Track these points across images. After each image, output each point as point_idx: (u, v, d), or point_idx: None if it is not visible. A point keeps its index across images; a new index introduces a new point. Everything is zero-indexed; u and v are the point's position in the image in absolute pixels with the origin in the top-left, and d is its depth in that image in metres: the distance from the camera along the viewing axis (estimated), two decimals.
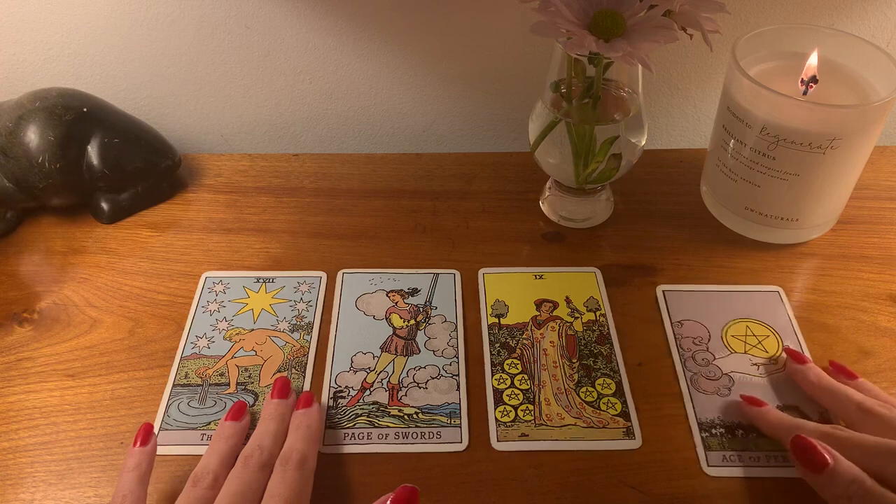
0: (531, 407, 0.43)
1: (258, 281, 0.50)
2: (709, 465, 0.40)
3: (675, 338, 0.47)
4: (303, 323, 0.48)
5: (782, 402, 0.43)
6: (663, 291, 0.49)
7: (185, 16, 0.58)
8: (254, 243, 0.54)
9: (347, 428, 0.42)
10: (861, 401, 0.39)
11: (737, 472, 0.40)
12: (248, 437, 0.39)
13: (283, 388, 0.42)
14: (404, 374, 0.45)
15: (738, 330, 0.47)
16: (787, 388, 0.44)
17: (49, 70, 0.61)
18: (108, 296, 0.50)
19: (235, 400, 0.43)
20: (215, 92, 0.64)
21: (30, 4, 0.57)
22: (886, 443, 0.36)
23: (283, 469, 0.37)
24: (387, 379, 0.44)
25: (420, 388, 0.44)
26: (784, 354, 0.45)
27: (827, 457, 0.35)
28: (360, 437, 0.41)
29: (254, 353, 0.46)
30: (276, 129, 0.67)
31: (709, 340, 0.46)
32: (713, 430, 0.42)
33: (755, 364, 0.45)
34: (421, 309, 0.49)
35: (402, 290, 0.50)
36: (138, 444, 0.38)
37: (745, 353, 0.46)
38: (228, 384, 0.44)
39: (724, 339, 0.47)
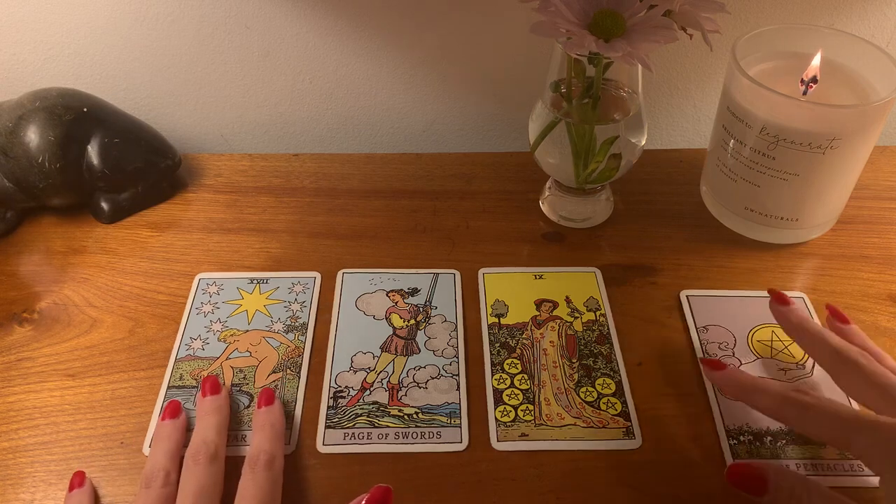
0: (531, 407, 0.43)
1: (252, 282, 0.50)
2: None
3: (701, 343, 0.46)
4: (297, 323, 0.48)
5: None
6: (687, 296, 0.49)
7: (185, 16, 0.58)
8: (253, 243, 0.54)
9: (347, 428, 0.42)
10: (838, 347, 0.38)
11: None
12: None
13: (214, 385, 0.42)
14: (404, 374, 0.45)
15: (764, 335, 0.47)
16: (816, 393, 0.43)
17: (49, 70, 0.61)
18: (108, 296, 0.50)
19: (231, 402, 0.43)
20: (215, 92, 0.64)
21: (30, 4, 0.57)
22: (849, 415, 0.34)
23: (252, 471, 0.37)
24: (387, 379, 0.44)
25: (420, 387, 0.44)
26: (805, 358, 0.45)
27: (764, 483, 0.34)
28: (360, 436, 0.41)
29: (248, 354, 0.46)
30: (276, 129, 0.67)
31: (734, 346, 0.46)
32: (741, 438, 0.41)
33: (782, 369, 0.45)
34: (421, 309, 0.49)
35: (402, 289, 0.50)
36: (74, 488, 0.39)
37: (772, 357, 0.46)
38: (224, 384, 0.44)
39: (750, 345, 0.46)
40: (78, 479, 0.39)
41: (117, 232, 0.55)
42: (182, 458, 0.39)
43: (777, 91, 0.45)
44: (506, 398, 0.43)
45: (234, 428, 0.42)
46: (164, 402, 0.43)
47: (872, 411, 0.35)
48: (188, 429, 0.41)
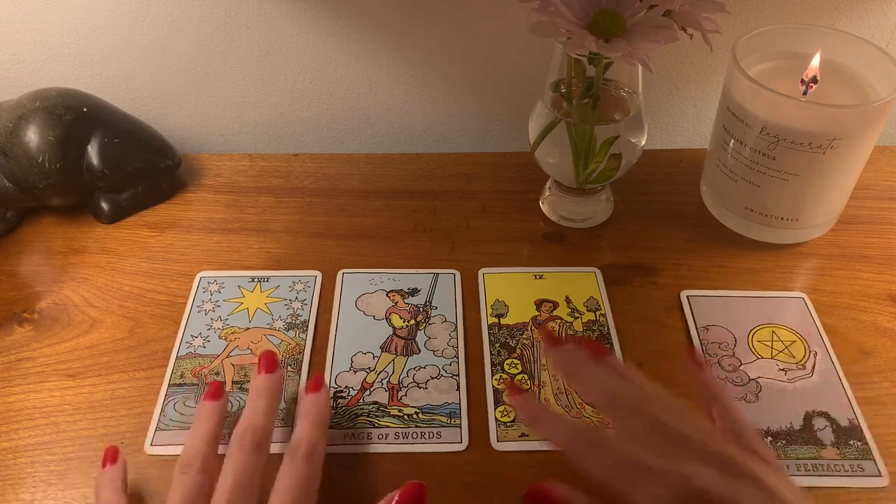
0: None
1: (253, 280, 0.50)
2: None
3: (702, 343, 0.46)
4: (298, 321, 0.48)
5: (811, 409, 0.43)
6: (687, 296, 0.49)
7: (185, 16, 0.58)
8: (253, 243, 0.54)
9: (347, 428, 0.42)
10: (615, 391, 0.34)
11: None
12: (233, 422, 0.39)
13: (270, 363, 0.40)
14: (404, 374, 0.45)
15: (764, 335, 0.47)
16: (816, 393, 0.44)
17: (49, 70, 0.61)
18: (108, 296, 0.50)
19: (232, 400, 0.43)
20: (215, 92, 0.64)
21: (30, 4, 0.57)
22: (632, 460, 0.31)
23: (292, 460, 0.36)
24: (387, 379, 0.44)
25: (420, 388, 0.44)
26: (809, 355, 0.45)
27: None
28: (361, 437, 0.41)
29: (249, 351, 0.46)
30: (276, 129, 0.67)
31: (735, 346, 0.46)
32: None
33: (782, 369, 0.45)
34: (421, 309, 0.49)
35: (402, 290, 0.50)
36: (107, 464, 0.38)
37: (773, 357, 0.46)
38: (224, 383, 0.44)
39: (751, 345, 0.46)
40: (111, 455, 0.38)
41: (117, 232, 0.55)
42: (218, 442, 0.38)
43: (777, 91, 0.45)
44: (506, 398, 0.43)
45: (233, 426, 0.41)
46: (164, 400, 0.43)
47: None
48: (228, 414, 0.40)
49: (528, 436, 0.41)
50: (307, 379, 0.44)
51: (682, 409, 0.33)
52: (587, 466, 0.32)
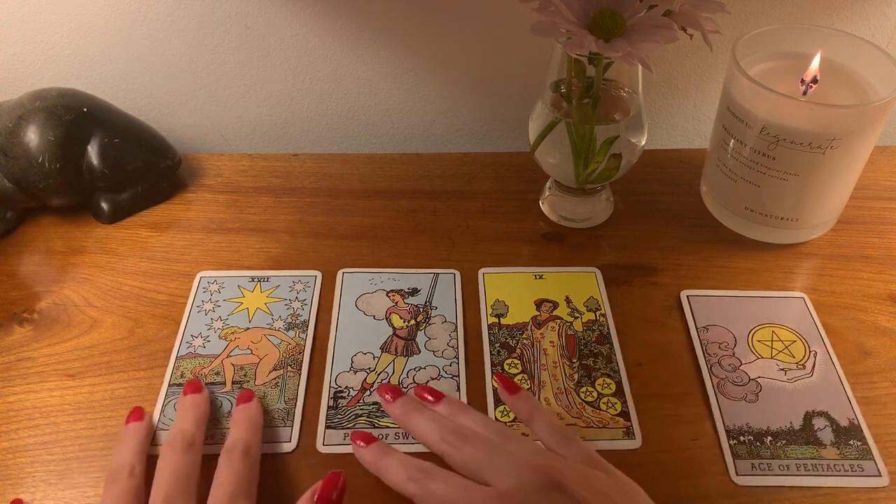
0: None
1: (253, 280, 0.50)
2: (737, 474, 0.40)
3: (701, 343, 0.46)
4: (298, 321, 0.48)
5: (811, 408, 0.43)
6: (687, 296, 0.49)
7: (185, 16, 0.58)
8: (253, 243, 0.54)
9: (348, 428, 0.42)
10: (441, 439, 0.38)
11: (766, 480, 0.39)
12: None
13: (195, 386, 0.42)
14: (404, 375, 0.45)
15: (764, 335, 0.47)
16: (816, 393, 0.44)
17: (49, 70, 0.61)
18: (108, 296, 0.50)
19: (233, 398, 0.43)
20: (215, 92, 0.64)
21: (30, 4, 0.57)
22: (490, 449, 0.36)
23: (228, 458, 0.37)
24: (387, 379, 0.44)
25: None
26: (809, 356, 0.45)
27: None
28: None
29: (249, 351, 0.46)
30: (276, 129, 0.67)
31: (735, 346, 0.46)
32: (741, 438, 0.41)
33: (782, 369, 0.45)
34: (421, 309, 0.49)
35: (402, 290, 0.50)
36: (131, 420, 0.40)
37: (773, 357, 0.46)
38: (224, 383, 0.44)
39: (751, 345, 0.46)
40: (136, 414, 0.40)
41: (117, 232, 0.55)
42: (146, 455, 0.39)
43: (777, 91, 0.45)
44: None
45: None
46: (164, 400, 0.43)
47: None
48: (154, 431, 0.42)
49: (528, 436, 0.41)
50: (306, 380, 0.44)
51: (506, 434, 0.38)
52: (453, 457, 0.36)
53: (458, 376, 0.45)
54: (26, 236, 0.54)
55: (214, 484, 0.36)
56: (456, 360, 0.45)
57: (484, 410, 0.43)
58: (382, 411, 0.43)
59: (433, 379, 0.44)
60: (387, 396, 0.42)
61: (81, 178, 0.53)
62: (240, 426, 0.40)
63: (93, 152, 0.53)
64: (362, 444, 0.39)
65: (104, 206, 0.55)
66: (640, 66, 0.45)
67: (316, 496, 0.35)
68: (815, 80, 0.48)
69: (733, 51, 0.48)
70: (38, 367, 0.45)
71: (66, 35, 0.59)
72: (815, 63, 0.48)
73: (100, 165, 0.53)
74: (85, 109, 0.53)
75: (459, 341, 0.46)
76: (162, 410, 0.42)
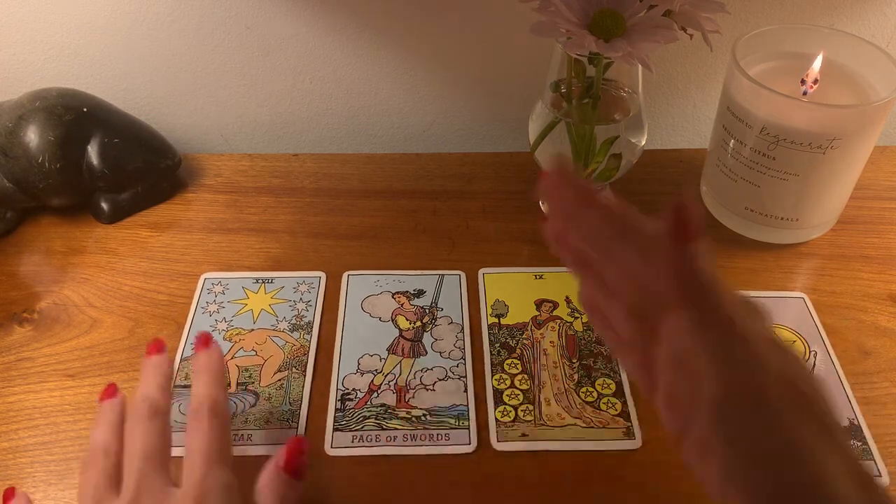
0: (531, 407, 0.43)
1: (257, 282, 0.50)
2: None
3: None
4: (303, 322, 0.48)
5: None
6: None
7: (185, 16, 0.58)
8: (254, 243, 0.54)
9: (355, 430, 0.42)
10: None
11: None
12: None
13: (157, 345, 0.39)
14: (411, 376, 0.45)
15: None
16: None
17: (49, 70, 0.61)
18: (108, 296, 0.50)
19: (237, 401, 0.43)
20: (215, 92, 0.64)
21: (30, 4, 0.57)
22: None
23: (196, 421, 0.35)
24: (394, 381, 0.44)
25: (427, 389, 0.44)
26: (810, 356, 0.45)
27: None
28: (369, 439, 0.41)
29: (254, 352, 0.46)
30: (276, 129, 0.67)
31: None
32: None
33: None
34: (427, 310, 0.49)
35: (407, 291, 0.50)
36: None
37: None
38: (229, 384, 0.44)
39: None
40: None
41: (117, 232, 0.55)
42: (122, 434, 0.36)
43: (777, 91, 0.45)
44: (506, 398, 0.43)
45: (239, 427, 0.42)
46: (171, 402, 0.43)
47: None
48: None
49: (528, 436, 0.41)
50: (311, 381, 0.44)
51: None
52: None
53: (466, 377, 0.44)
54: (26, 236, 0.54)
55: (187, 453, 0.34)
56: (463, 361, 0.45)
57: (485, 409, 0.43)
58: (391, 413, 0.42)
59: (440, 380, 0.44)
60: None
61: (81, 178, 0.53)
62: (199, 380, 0.37)
63: (93, 152, 0.53)
64: None
65: (104, 206, 0.55)
66: (640, 66, 0.45)
67: (282, 464, 0.34)
68: (815, 81, 0.48)
69: (733, 51, 0.48)
70: (38, 367, 0.45)
71: (66, 35, 0.59)
72: (817, 64, 0.48)
73: (100, 165, 0.53)
74: (85, 109, 0.53)
75: (466, 342, 0.46)
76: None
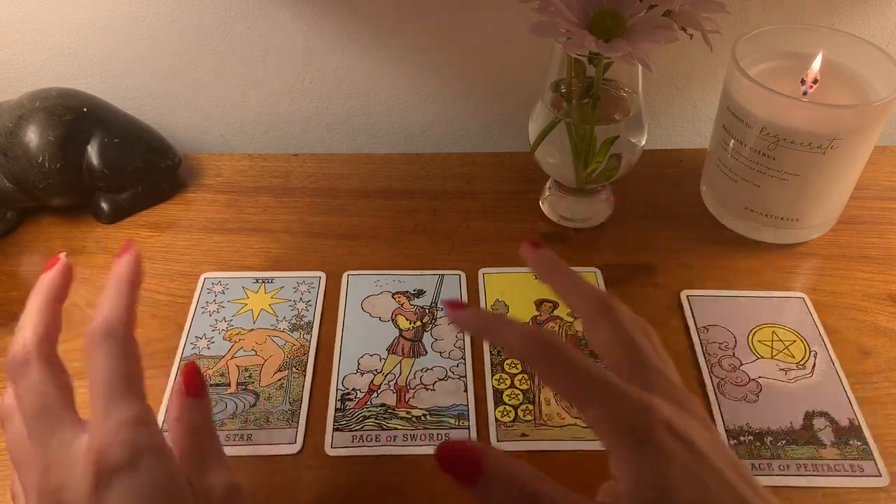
0: (531, 407, 0.43)
1: (257, 281, 0.50)
2: None
3: (702, 343, 0.46)
4: (303, 322, 0.48)
5: (811, 409, 0.43)
6: (687, 296, 0.49)
7: (185, 16, 0.58)
8: (254, 243, 0.54)
9: (355, 430, 0.42)
10: (598, 295, 0.32)
11: (766, 480, 0.39)
12: None
13: (127, 246, 0.35)
14: (411, 376, 0.45)
15: (765, 335, 0.47)
16: (816, 393, 0.44)
17: (49, 70, 0.61)
18: None
19: (237, 401, 0.43)
20: (215, 92, 0.64)
21: (30, 4, 0.57)
22: (594, 376, 0.27)
23: (90, 349, 0.30)
24: (394, 381, 0.44)
25: (427, 389, 0.44)
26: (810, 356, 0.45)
27: (478, 468, 0.27)
28: (369, 439, 0.41)
29: (254, 352, 0.46)
30: (276, 129, 0.67)
31: (735, 346, 0.46)
32: (741, 438, 0.41)
33: (782, 369, 0.45)
34: (427, 310, 0.49)
35: (407, 291, 0.50)
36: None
37: (773, 358, 0.46)
38: (229, 384, 0.44)
39: (751, 345, 0.46)
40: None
41: (117, 232, 0.55)
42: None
43: (777, 91, 0.45)
44: (506, 398, 0.43)
45: (239, 427, 0.42)
46: (167, 402, 0.43)
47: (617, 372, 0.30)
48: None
49: (528, 436, 0.41)
50: (310, 381, 0.44)
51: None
52: (544, 375, 0.28)
53: (466, 377, 0.44)
54: (26, 236, 0.54)
55: (89, 385, 0.29)
56: (463, 361, 0.45)
57: (485, 409, 0.43)
58: (390, 413, 0.43)
59: (440, 380, 0.44)
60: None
61: (81, 178, 0.53)
62: (102, 298, 0.32)
63: (93, 152, 0.53)
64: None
65: (104, 206, 0.55)
66: (640, 66, 0.45)
67: (183, 389, 0.32)
68: (815, 81, 0.48)
69: (733, 51, 0.48)
70: None
71: (66, 35, 0.59)
72: (817, 63, 0.48)
73: (100, 165, 0.53)
74: (85, 109, 0.53)
75: (466, 342, 0.46)
76: (167, 411, 0.42)
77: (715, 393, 0.43)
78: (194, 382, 0.32)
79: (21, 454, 0.30)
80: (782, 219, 0.51)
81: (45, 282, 0.35)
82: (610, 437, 0.27)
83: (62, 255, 0.36)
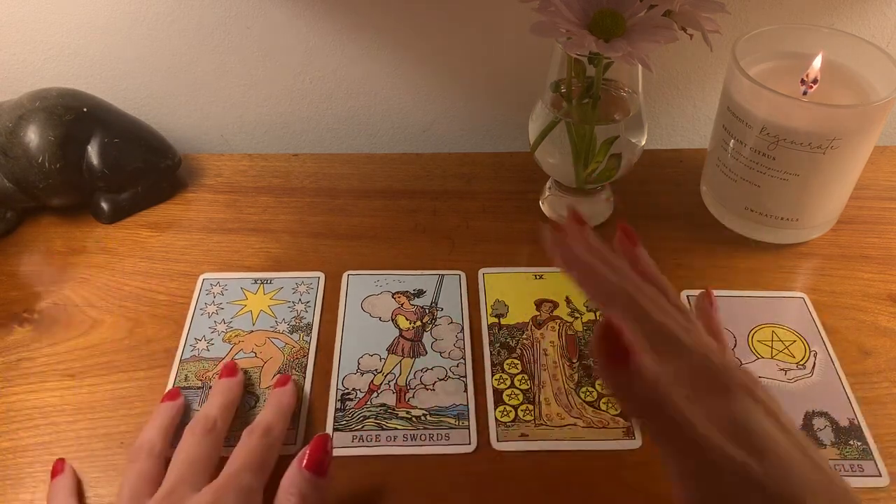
0: (531, 407, 0.43)
1: (256, 282, 0.50)
2: None
3: None
4: (302, 324, 0.48)
5: (811, 409, 0.43)
6: (688, 296, 0.49)
7: (185, 16, 0.58)
8: (254, 243, 0.54)
9: (355, 430, 0.42)
10: (616, 281, 0.32)
11: None
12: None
13: (230, 369, 0.43)
14: (411, 376, 0.45)
15: (764, 335, 0.47)
16: (816, 393, 0.44)
17: (49, 70, 0.61)
18: (108, 296, 0.50)
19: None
20: (215, 92, 0.64)
21: (30, 4, 0.57)
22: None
23: (248, 437, 0.38)
24: (394, 381, 0.44)
25: (427, 389, 0.44)
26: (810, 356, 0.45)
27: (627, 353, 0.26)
28: (369, 439, 0.41)
29: (253, 354, 0.46)
30: (276, 129, 0.67)
31: (735, 346, 0.46)
32: None
33: (782, 369, 0.45)
34: (427, 310, 0.49)
35: (407, 291, 0.50)
36: (57, 475, 0.39)
37: (773, 358, 0.46)
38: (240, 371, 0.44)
39: (751, 345, 0.46)
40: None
41: (117, 232, 0.55)
42: (172, 436, 0.40)
43: (777, 91, 0.45)
44: (506, 398, 0.43)
45: (239, 429, 0.42)
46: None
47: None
48: (188, 413, 0.42)
49: (528, 436, 0.41)
50: (310, 383, 0.44)
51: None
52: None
53: (466, 377, 0.44)
54: (26, 236, 0.54)
55: (229, 461, 0.36)
56: (463, 361, 0.45)
57: (484, 409, 0.43)
58: (390, 413, 0.42)
59: (440, 380, 0.44)
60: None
61: (81, 178, 0.53)
62: (267, 408, 0.40)
63: (93, 152, 0.53)
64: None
65: (104, 206, 0.55)
66: (640, 66, 0.45)
67: (305, 461, 0.35)
68: (815, 81, 0.48)
69: (733, 51, 0.48)
70: (38, 367, 0.45)
71: (66, 35, 0.59)
72: (817, 63, 0.48)
73: (100, 165, 0.53)
74: (85, 109, 0.53)
75: (466, 342, 0.46)
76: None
77: None
78: (321, 461, 0.36)
79: (141, 486, 0.36)
80: (782, 219, 0.51)
81: (234, 385, 0.43)
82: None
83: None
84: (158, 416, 0.40)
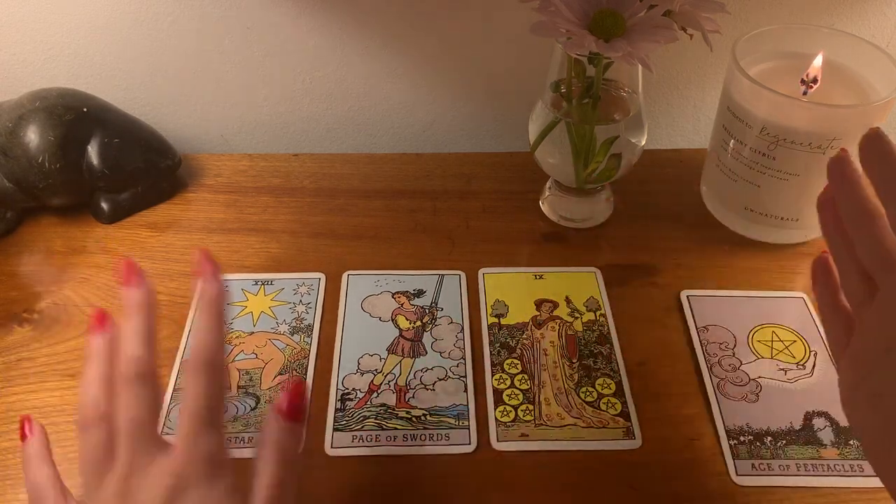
0: (531, 407, 0.43)
1: (256, 283, 0.50)
2: (738, 475, 0.40)
3: (702, 343, 0.46)
4: (303, 325, 0.48)
5: (811, 409, 0.43)
6: (687, 296, 0.49)
7: (185, 15, 0.58)
8: (254, 243, 0.54)
9: (355, 430, 0.42)
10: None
11: (766, 481, 0.39)
12: None
13: (134, 272, 0.36)
14: (411, 376, 0.45)
15: (765, 335, 0.47)
16: (816, 393, 0.44)
17: (49, 70, 0.61)
18: (108, 296, 0.50)
19: (238, 404, 0.43)
20: (215, 92, 0.64)
21: (30, 4, 0.57)
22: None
23: (190, 375, 0.32)
24: (394, 381, 0.44)
25: (427, 389, 0.44)
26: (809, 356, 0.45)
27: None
28: (369, 439, 0.41)
29: (254, 356, 0.46)
30: (276, 129, 0.67)
31: (735, 346, 0.46)
32: (741, 438, 0.41)
33: (782, 369, 0.45)
34: (427, 310, 0.49)
35: (407, 291, 0.50)
36: (27, 436, 0.34)
37: (773, 358, 0.46)
38: (230, 387, 0.44)
39: (751, 345, 0.46)
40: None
41: (117, 232, 0.55)
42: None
43: (777, 91, 0.45)
44: (506, 398, 0.43)
45: (240, 430, 0.42)
46: (169, 405, 0.43)
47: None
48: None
49: (528, 436, 0.41)
50: (311, 384, 0.44)
51: None
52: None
53: (466, 377, 0.44)
54: (26, 236, 0.54)
55: (178, 411, 0.31)
56: (463, 361, 0.45)
57: (484, 409, 0.43)
58: (390, 413, 0.43)
59: (440, 380, 0.44)
60: None
61: (81, 178, 0.53)
62: (202, 319, 0.34)
63: (93, 152, 0.53)
64: None
65: (104, 206, 0.55)
66: (640, 66, 0.45)
67: (285, 410, 0.31)
68: (815, 81, 0.48)
69: (733, 51, 0.48)
70: (38, 367, 0.45)
71: (66, 35, 0.59)
72: (817, 63, 0.48)
73: (100, 165, 0.53)
74: (85, 109, 0.53)
75: (466, 342, 0.46)
76: (167, 416, 0.42)
77: (715, 393, 0.43)
78: (298, 405, 0.32)
79: (101, 461, 0.31)
80: (782, 219, 0.51)
81: (142, 298, 0.36)
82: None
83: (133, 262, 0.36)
84: (94, 363, 0.33)
